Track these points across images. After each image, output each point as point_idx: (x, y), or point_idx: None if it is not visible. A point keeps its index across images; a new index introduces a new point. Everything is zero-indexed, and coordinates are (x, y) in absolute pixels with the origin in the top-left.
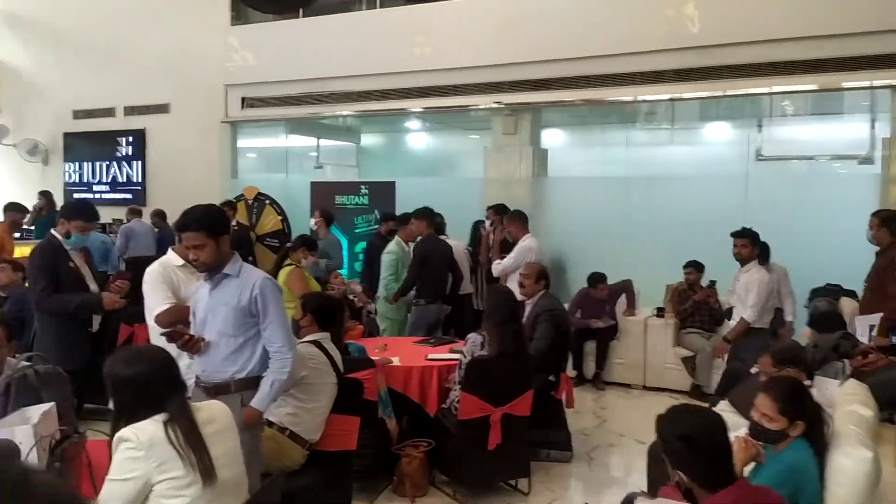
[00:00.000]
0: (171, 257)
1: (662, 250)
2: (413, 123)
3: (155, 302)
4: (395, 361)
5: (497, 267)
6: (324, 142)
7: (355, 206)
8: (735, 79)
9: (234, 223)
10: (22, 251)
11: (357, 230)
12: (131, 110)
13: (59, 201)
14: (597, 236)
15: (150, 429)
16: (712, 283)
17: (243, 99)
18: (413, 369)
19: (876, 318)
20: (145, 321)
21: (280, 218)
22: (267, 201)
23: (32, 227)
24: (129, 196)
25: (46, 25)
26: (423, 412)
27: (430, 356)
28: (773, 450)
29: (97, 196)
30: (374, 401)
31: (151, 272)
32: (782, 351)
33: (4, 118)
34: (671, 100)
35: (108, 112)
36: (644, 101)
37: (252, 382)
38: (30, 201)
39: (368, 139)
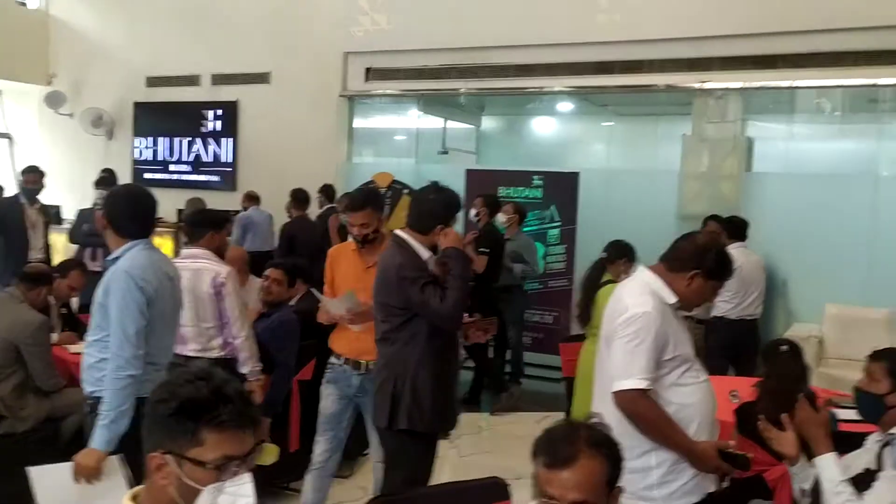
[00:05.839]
0: (663, 292)
1: None
2: (564, 105)
3: (633, 367)
4: None
5: None
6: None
7: (525, 199)
8: None
9: (287, 215)
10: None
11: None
12: (220, 79)
13: (126, 181)
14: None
15: None
16: None
17: (368, 69)
18: None
19: None
20: None
21: None
22: (405, 191)
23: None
24: (216, 178)
25: None
26: None
27: None
28: None
29: (175, 177)
30: None
31: (646, 315)
32: None
33: (60, 84)
34: None
35: (191, 80)
36: None
37: None
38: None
39: (490, 122)
